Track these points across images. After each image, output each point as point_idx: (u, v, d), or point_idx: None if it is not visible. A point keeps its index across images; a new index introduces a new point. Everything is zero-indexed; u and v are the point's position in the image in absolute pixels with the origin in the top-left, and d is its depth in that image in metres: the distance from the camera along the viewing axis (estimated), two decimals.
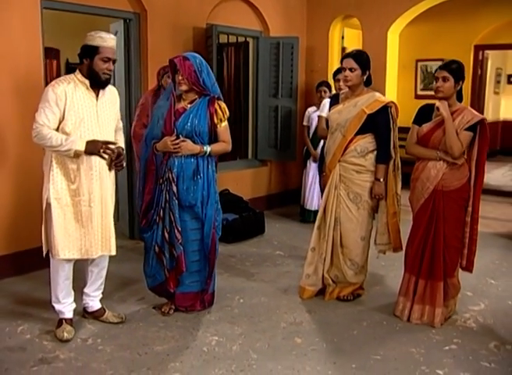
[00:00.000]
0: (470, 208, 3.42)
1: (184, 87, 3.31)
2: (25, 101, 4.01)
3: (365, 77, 3.59)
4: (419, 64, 7.96)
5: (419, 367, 2.93)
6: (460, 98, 3.42)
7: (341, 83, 4.44)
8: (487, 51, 7.78)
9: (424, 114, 3.49)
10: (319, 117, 4.56)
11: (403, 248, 3.67)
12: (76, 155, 2.98)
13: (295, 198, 6.74)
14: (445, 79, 3.32)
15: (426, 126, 3.43)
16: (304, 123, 6.06)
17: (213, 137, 3.42)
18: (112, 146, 3.04)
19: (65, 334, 3.10)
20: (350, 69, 3.55)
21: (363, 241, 3.72)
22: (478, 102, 7.63)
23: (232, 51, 6.83)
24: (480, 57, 7.61)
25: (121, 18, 4.81)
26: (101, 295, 3.44)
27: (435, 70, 3.44)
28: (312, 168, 6.01)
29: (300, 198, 6.21)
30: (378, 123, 3.54)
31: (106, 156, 3.06)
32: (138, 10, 4.86)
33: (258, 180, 6.49)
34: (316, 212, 5.99)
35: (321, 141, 5.81)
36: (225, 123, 3.44)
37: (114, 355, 3.01)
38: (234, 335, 3.28)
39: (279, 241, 5.33)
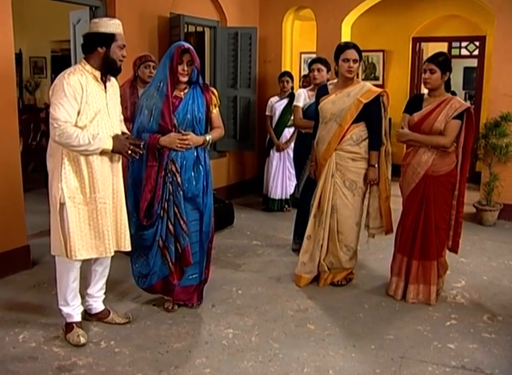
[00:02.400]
0: (457, 192, 3.65)
1: (186, 78, 3.23)
2: None
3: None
4: None
5: (432, 343, 3.11)
6: (448, 88, 3.61)
7: (315, 73, 4.54)
8: (424, 43, 8.19)
9: (414, 103, 3.67)
10: (295, 107, 4.59)
11: (394, 231, 3.85)
12: (101, 153, 2.82)
13: (253, 188, 6.81)
14: (432, 71, 3.49)
15: (417, 115, 3.60)
16: (267, 113, 6.09)
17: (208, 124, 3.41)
18: (137, 148, 2.89)
19: (81, 339, 2.94)
20: (354, 61, 3.64)
21: (357, 227, 3.84)
22: (417, 90, 8.05)
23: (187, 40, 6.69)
24: (417, 49, 8.02)
25: (87, 5, 4.57)
26: (103, 296, 3.30)
27: (424, 62, 3.61)
28: (276, 157, 6.07)
29: (263, 188, 6.27)
30: (371, 111, 3.66)
31: (134, 155, 2.90)
32: None
33: (218, 171, 6.42)
34: (280, 200, 6.15)
35: (286, 130, 5.94)
36: (217, 109, 3.44)
37: (135, 356, 2.90)
38: (247, 326, 3.28)
39: (251, 231, 5.35)
